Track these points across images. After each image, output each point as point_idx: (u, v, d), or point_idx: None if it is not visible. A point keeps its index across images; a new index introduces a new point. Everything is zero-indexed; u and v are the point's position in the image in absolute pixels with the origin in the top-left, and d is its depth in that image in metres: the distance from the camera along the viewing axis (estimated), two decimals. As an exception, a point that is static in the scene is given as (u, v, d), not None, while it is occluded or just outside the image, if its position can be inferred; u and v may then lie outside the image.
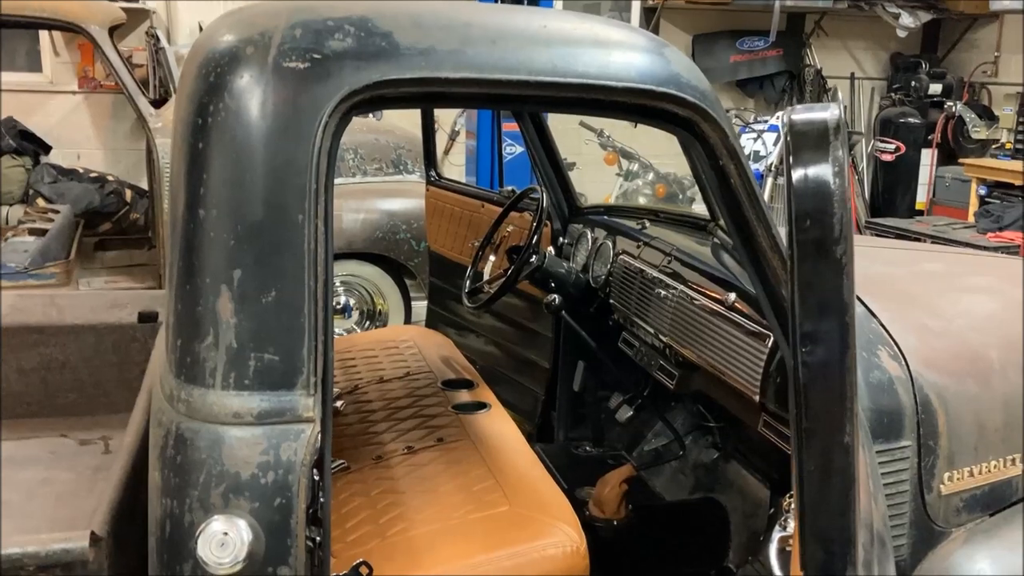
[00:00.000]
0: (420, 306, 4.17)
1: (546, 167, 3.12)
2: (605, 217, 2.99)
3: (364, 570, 1.56)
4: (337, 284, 4.89)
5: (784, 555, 1.32)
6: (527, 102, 1.56)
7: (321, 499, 1.42)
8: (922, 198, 8.16)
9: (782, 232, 1.26)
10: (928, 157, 8.14)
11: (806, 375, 1.08)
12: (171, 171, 1.47)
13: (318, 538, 1.42)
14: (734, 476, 2.70)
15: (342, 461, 2.12)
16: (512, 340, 3.40)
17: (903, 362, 1.81)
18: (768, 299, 1.67)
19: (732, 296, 2.07)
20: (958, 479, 1.83)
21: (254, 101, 1.37)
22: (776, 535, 1.34)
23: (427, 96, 1.48)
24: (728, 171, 1.58)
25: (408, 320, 4.92)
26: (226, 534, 1.34)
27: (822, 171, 1.07)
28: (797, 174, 1.08)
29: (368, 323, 4.95)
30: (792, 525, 1.37)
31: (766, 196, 6.90)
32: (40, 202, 6.02)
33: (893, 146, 7.94)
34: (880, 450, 1.72)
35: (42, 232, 5.00)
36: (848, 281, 1.09)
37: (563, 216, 3.14)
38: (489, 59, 1.44)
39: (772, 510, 2.49)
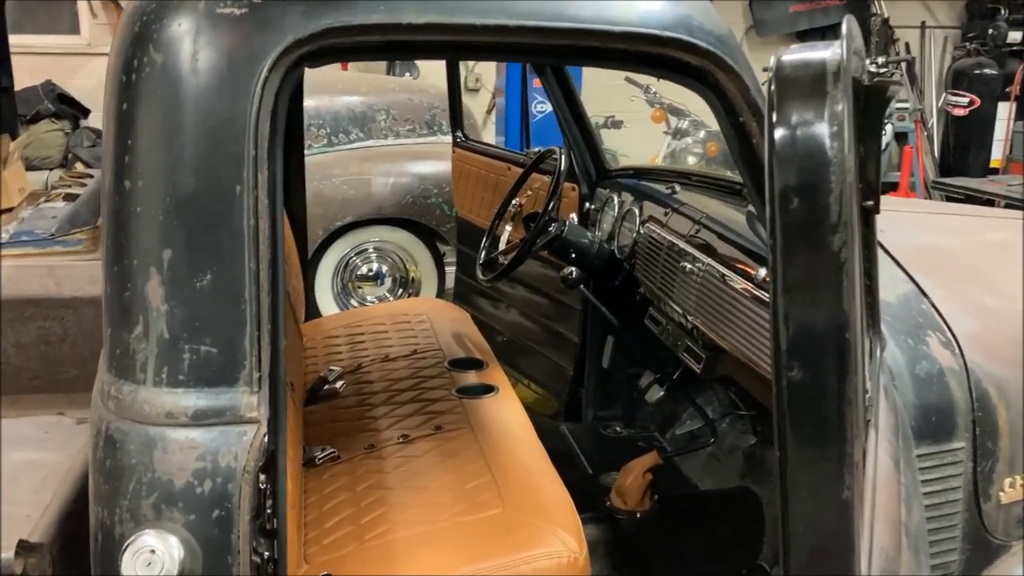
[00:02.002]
0: (453, 272, 4.00)
1: (572, 126, 2.88)
2: (634, 180, 2.75)
3: (328, 583, 1.39)
4: (369, 250, 4.73)
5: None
6: (508, 51, 1.35)
7: (269, 510, 1.25)
8: (997, 155, 7.66)
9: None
10: (1005, 111, 7.62)
11: (791, 407, 0.85)
12: (103, 137, 1.30)
13: (267, 553, 1.25)
14: (772, 464, 2.46)
15: (332, 450, 1.96)
16: (542, 312, 3.20)
17: (957, 350, 1.57)
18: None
19: (762, 272, 1.84)
20: (1020, 485, 1.58)
21: (183, 54, 1.19)
22: None
23: (387, 46, 1.27)
24: (749, 129, 1.36)
25: (442, 287, 4.75)
26: (153, 552, 1.17)
27: (815, 131, 0.80)
28: (780, 135, 0.82)
29: (401, 291, 4.79)
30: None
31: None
32: (79, 167, 5.98)
33: (967, 100, 7.44)
34: (926, 453, 1.49)
35: (75, 197, 4.93)
36: (849, 282, 0.82)
37: (590, 179, 2.91)
38: (460, 1, 1.22)
39: (812, 504, 2.27)
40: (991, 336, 1.64)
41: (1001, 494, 1.56)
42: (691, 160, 5.84)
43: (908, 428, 1.38)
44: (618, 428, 2.95)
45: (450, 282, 4.66)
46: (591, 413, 3.02)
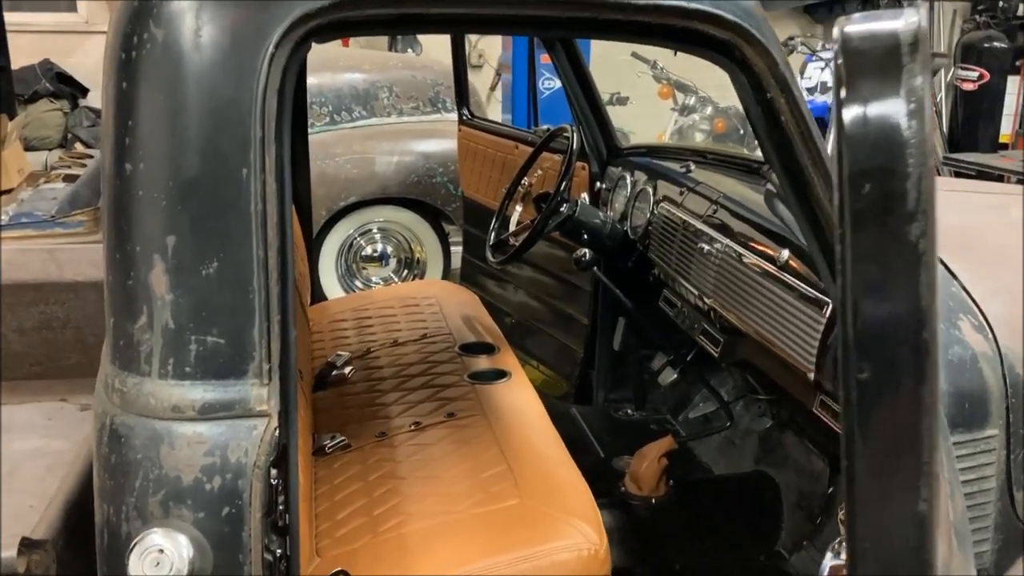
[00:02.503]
0: (459, 252, 3.94)
1: (582, 103, 2.81)
2: (647, 159, 2.69)
3: (342, 580, 1.34)
4: (374, 231, 4.67)
5: (838, 589, 1.06)
6: (526, 25, 1.28)
7: (281, 506, 1.20)
8: (1007, 130, 7.55)
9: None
10: (1015, 85, 7.50)
11: (860, 412, 0.78)
12: (102, 118, 1.24)
13: (280, 551, 1.20)
14: (789, 448, 2.42)
15: (343, 438, 1.91)
16: (551, 294, 3.15)
17: (990, 334, 1.51)
18: (825, 259, 1.40)
19: (785, 253, 1.78)
20: (1054, 473, 1.53)
21: (185, 29, 1.13)
22: (827, 563, 1.07)
23: (398, 19, 1.21)
24: (777, 106, 1.30)
25: (447, 268, 4.69)
26: (162, 551, 1.13)
27: (891, 109, 0.73)
28: (852, 114, 0.73)
29: (406, 272, 4.73)
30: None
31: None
32: (79, 147, 5.91)
33: (976, 74, 7.33)
34: (960, 441, 1.44)
35: (75, 178, 4.87)
36: (927, 276, 0.74)
37: (601, 158, 2.84)
38: (476, -29, 1.16)
39: (831, 489, 2.22)
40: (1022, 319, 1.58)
41: (1034, 482, 1.51)
42: (699, 137, 5.76)
43: (943, 418, 1.33)
44: (629, 411, 2.90)
45: (456, 263, 4.60)
46: (602, 395, 2.97)
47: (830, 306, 1.59)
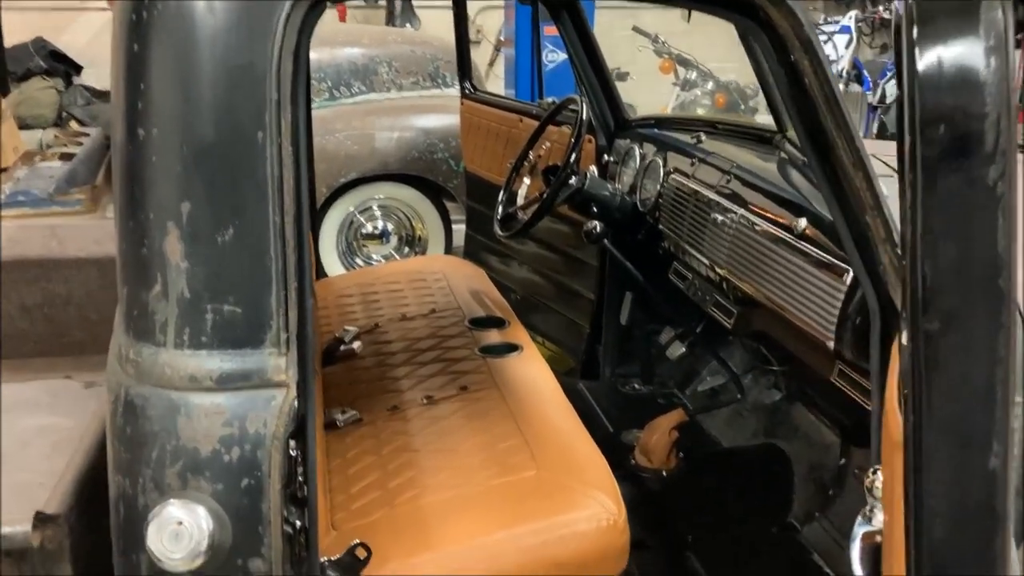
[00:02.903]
0: (461, 230, 3.92)
1: (589, 75, 2.77)
2: (656, 131, 2.66)
3: (361, 553, 1.32)
4: (374, 208, 4.64)
5: (870, 556, 1.05)
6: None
7: (300, 478, 1.18)
8: (1007, 105, 7.51)
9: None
10: (1016, 59, 7.45)
11: (928, 365, 0.76)
12: (111, 82, 1.20)
13: (299, 523, 1.18)
14: (799, 420, 2.41)
15: (354, 412, 1.89)
16: (556, 269, 3.12)
17: None
18: (848, 226, 1.37)
19: (803, 222, 1.75)
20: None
21: (198, -11, 1.09)
22: (859, 530, 1.06)
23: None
24: (801, 68, 1.27)
25: (449, 246, 4.66)
26: (180, 523, 1.11)
27: (967, 46, 0.69)
28: (925, 53, 0.69)
29: (407, 249, 4.70)
30: (880, 517, 1.08)
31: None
32: (73, 125, 5.85)
33: (976, 48, 7.28)
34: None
35: (72, 157, 4.82)
36: (1006, 221, 0.71)
37: (608, 130, 2.81)
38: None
39: (842, 461, 2.21)
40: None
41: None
42: (700, 112, 5.72)
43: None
44: (636, 385, 2.89)
45: (458, 240, 4.58)
46: (609, 370, 2.95)
47: (850, 274, 1.57)
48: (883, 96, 6.55)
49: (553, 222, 2.87)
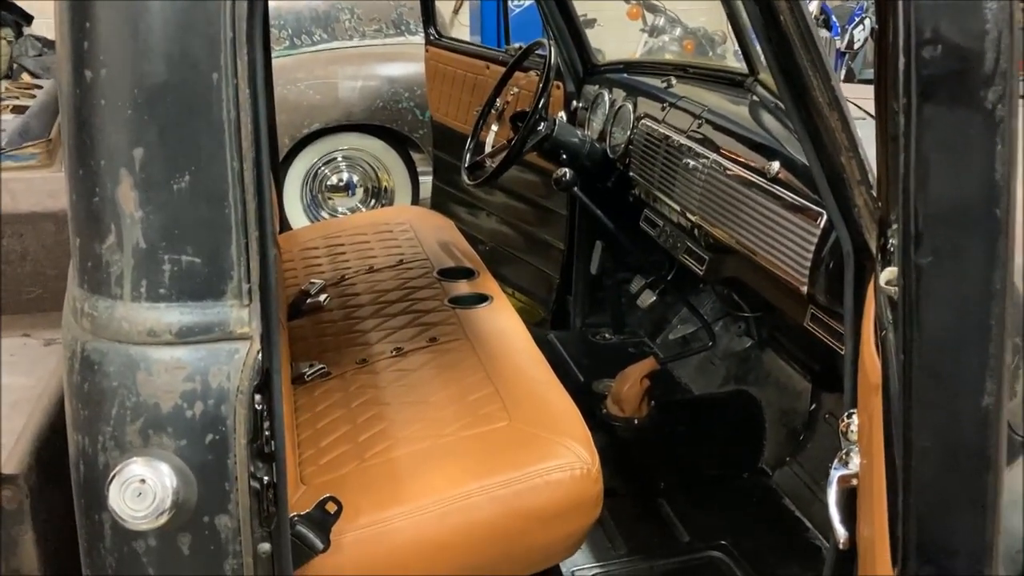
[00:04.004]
0: (428, 182, 3.85)
1: (557, 18, 2.71)
2: (625, 76, 2.61)
3: (331, 507, 1.30)
4: (339, 159, 4.55)
5: (846, 499, 1.04)
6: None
7: (267, 432, 1.15)
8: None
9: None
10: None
11: (920, 301, 0.73)
12: (55, 21, 1.14)
13: (267, 478, 1.16)
14: (770, 367, 2.42)
15: (322, 366, 1.86)
16: (525, 219, 3.09)
17: None
18: (822, 168, 1.35)
19: (775, 165, 1.73)
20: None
21: (145, -85, 1.02)
22: (836, 474, 1.05)
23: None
24: (777, 7, 1.24)
25: (416, 197, 4.60)
26: (143, 481, 1.07)
27: None
28: None
29: (374, 201, 4.63)
30: (856, 460, 1.08)
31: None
32: (25, 77, 5.66)
33: None
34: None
35: (25, 109, 4.66)
36: (1005, 147, 0.67)
37: (577, 76, 2.76)
38: None
39: (813, 406, 2.22)
40: None
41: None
42: (668, 58, 5.66)
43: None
44: (607, 335, 2.88)
45: (424, 192, 4.51)
46: (579, 321, 2.94)
47: (823, 217, 1.55)
48: (851, 42, 6.53)
49: (521, 170, 2.83)
